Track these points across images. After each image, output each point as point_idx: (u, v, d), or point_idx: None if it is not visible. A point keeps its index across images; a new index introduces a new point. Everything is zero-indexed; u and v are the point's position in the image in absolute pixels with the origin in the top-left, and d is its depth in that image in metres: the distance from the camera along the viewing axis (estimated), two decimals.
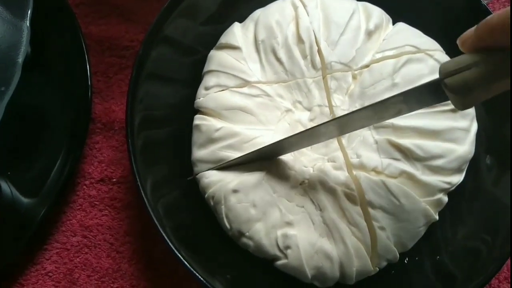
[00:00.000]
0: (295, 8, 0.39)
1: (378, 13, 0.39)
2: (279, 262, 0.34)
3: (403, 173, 0.35)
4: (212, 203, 0.35)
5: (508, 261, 0.39)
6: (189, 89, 0.39)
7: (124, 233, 0.40)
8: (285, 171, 0.35)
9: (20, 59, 0.30)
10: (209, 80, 0.38)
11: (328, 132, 0.32)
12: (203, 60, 0.40)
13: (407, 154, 0.35)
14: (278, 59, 0.37)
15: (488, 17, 0.23)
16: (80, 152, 0.40)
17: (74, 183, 0.41)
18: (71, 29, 0.42)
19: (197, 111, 0.38)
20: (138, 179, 0.34)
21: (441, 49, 0.39)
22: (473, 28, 0.25)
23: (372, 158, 0.35)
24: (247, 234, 0.34)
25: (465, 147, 0.36)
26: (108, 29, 0.46)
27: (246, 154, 0.35)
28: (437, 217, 0.35)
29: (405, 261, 0.37)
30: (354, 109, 0.37)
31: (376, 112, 0.30)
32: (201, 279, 0.32)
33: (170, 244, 0.33)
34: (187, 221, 0.37)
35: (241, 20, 0.41)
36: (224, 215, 0.35)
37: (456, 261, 0.36)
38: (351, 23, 0.38)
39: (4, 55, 0.30)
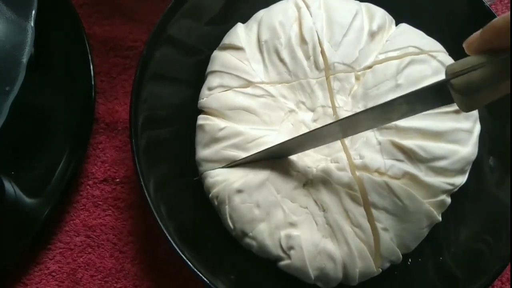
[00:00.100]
0: (298, 8, 0.39)
1: (381, 14, 0.39)
2: (282, 263, 0.35)
3: (406, 174, 0.35)
4: (216, 203, 0.36)
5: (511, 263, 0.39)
6: (192, 89, 0.40)
7: (128, 233, 0.40)
8: (289, 171, 0.35)
9: (25, 59, 0.30)
10: (212, 80, 0.38)
11: (335, 132, 0.33)
12: (206, 60, 0.40)
13: (410, 155, 0.35)
14: (281, 60, 0.38)
15: (494, 19, 0.24)
16: (83, 152, 0.40)
17: (77, 183, 0.41)
18: (74, 30, 0.43)
19: (201, 111, 0.38)
20: (141, 179, 0.34)
21: (444, 50, 0.39)
22: (479, 31, 0.25)
23: (375, 159, 0.35)
24: (250, 234, 0.34)
25: (468, 149, 0.36)
26: (111, 29, 0.46)
27: (254, 154, 0.35)
28: (440, 218, 0.35)
29: (408, 262, 0.37)
30: (357, 110, 0.37)
31: (382, 114, 0.30)
32: (205, 279, 0.32)
33: (173, 244, 0.33)
34: (191, 221, 0.37)
35: (244, 20, 0.41)
36: (228, 215, 0.35)
37: (459, 262, 0.36)
38: (354, 24, 0.38)
39: (9, 55, 0.31)
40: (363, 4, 0.40)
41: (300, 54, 0.37)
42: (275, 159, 0.36)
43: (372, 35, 0.38)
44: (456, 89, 0.25)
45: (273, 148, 0.34)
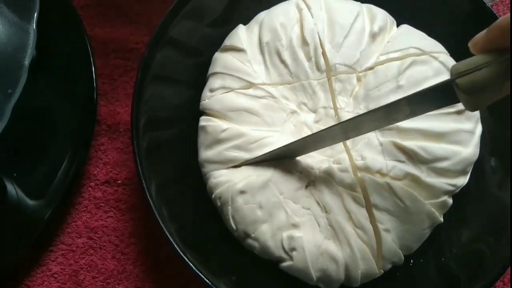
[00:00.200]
0: (300, 10, 0.39)
1: (382, 15, 0.39)
2: (284, 264, 0.35)
3: (408, 175, 0.35)
4: (219, 204, 0.36)
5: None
6: (194, 91, 0.40)
7: (129, 234, 0.40)
8: (292, 173, 0.35)
9: (27, 62, 0.30)
10: (214, 82, 0.38)
11: (341, 133, 0.33)
12: (207, 62, 0.40)
13: (411, 156, 0.35)
14: (283, 61, 0.38)
15: (499, 19, 0.24)
16: (85, 154, 0.41)
17: (79, 185, 0.41)
18: (76, 32, 0.43)
19: (202, 112, 0.38)
20: (143, 181, 0.34)
21: (446, 51, 0.39)
22: (484, 31, 0.25)
23: (377, 160, 0.35)
24: (252, 235, 0.34)
25: (469, 149, 0.36)
26: (113, 31, 0.46)
27: (260, 156, 0.35)
28: (442, 219, 0.36)
29: (410, 263, 0.37)
30: (359, 111, 0.37)
31: (387, 114, 0.30)
32: (206, 280, 0.32)
33: (175, 245, 0.33)
34: (192, 222, 0.37)
35: (245, 22, 0.41)
36: (230, 216, 0.35)
37: (461, 263, 0.36)
38: (355, 25, 0.38)
39: (11, 58, 0.31)
40: (364, 5, 0.40)
41: (301, 55, 0.37)
42: (278, 161, 0.36)
43: (374, 36, 0.38)
44: (461, 89, 0.25)
45: (279, 150, 0.35)
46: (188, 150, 0.38)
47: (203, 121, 0.38)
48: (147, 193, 0.34)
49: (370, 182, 0.34)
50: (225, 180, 0.35)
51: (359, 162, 0.35)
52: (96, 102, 0.42)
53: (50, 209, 0.38)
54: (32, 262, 0.39)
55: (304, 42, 0.38)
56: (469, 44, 0.26)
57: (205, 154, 0.37)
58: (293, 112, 0.37)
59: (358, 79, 0.38)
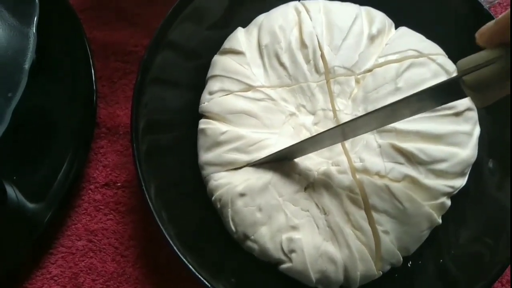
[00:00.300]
0: (298, 13, 0.39)
1: (380, 18, 0.40)
2: (283, 266, 0.35)
3: (406, 177, 0.35)
4: (218, 206, 0.36)
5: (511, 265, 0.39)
6: (193, 93, 0.40)
7: (129, 237, 0.40)
8: (291, 175, 0.36)
9: (27, 65, 0.31)
10: (213, 85, 0.38)
11: (344, 133, 0.32)
12: (207, 64, 0.40)
13: (410, 158, 0.35)
14: (282, 64, 0.38)
15: (508, 11, 0.23)
16: (85, 156, 0.41)
17: (79, 188, 0.41)
18: (76, 34, 0.43)
19: (202, 115, 0.39)
20: (142, 183, 0.34)
21: (444, 53, 0.39)
22: (492, 22, 0.24)
23: (376, 162, 0.35)
24: (252, 237, 0.34)
25: (468, 151, 0.36)
26: (112, 34, 0.46)
27: (262, 158, 0.35)
28: (440, 221, 0.36)
29: (409, 265, 0.37)
30: (358, 113, 0.37)
31: (393, 112, 0.29)
32: (206, 283, 0.32)
33: (174, 248, 0.33)
34: (192, 225, 0.37)
35: (244, 25, 0.41)
36: (230, 218, 0.35)
37: (459, 264, 0.36)
38: (354, 28, 0.38)
39: (11, 61, 0.31)
40: (363, 8, 0.40)
41: (300, 58, 0.38)
42: (277, 163, 0.36)
43: (372, 38, 0.38)
44: (469, 86, 0.25)
45: (278, 152, 0.35)
46: (188, 153, 0.38)
47: (203, 123, 0.38)
48: (147, 196, 0.34)
49: (368, 184, 0.35)
50: (225, 182, 0.35)
51: (357, 164, 0.35)
52: (96, 104, 0.42)
53: (50, 211, 0.38)
54: (32, 265, 0.39)
55: (303, 45, 0.38)
56: (476, 35, 0.25)
57: (205, 156, 0.37)
58: (292, 114, 0.37)
59: (357, 81, 0.38)
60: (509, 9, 0.24)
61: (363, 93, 0.37)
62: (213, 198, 0.36)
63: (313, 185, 0.35)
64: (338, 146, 0.36)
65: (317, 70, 0.37)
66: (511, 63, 0.23)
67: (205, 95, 0.39)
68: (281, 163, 0.36)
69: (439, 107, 0.35)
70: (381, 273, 0.35)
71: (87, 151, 0.41)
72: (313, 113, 0.38)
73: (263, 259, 0.35)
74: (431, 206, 0.35)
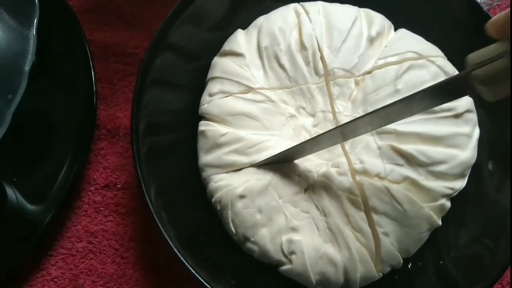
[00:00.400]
0: (298, 15, 0.39)
1: (380, 20, 0.40)
2: (283, 268, 0.35)
3: (406, 179, 0.35)
4: (218, 208, 0.36)
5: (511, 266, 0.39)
6: (193, 95, 0.40)
7: (129, 238, 0.40)
8: (291, 177, 0.36)
9: (27, 67, 0.31)
10: (213, 86, 0.38)
11: (361, 127, 0.32)
12: (207, 66, 0.40)
13: (410, 159, 0.35)
14: (281, 66, 0.38)
15: None
16: (85, 158, 0.41)
17: (79, 189, 0.41)
18: (76, 36, 0.43)
19: (202, 117, 0.39)
20: (142, 185, 0.34)
21: (443, 55, 0.39)
22: (504, 13, 0.24)
23: (375, 164, 0.35)
24: (252, 239, 0.34)
25: (467, 153, 0.36)
26: (112, 36, 0.46)
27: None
28: (440, 223, 0.36)
29: (409, 266, 0.37)
30: (357, 115, 0.37)
31: (403, 108, 0.29)
32: (206, 284, 0.32)
33: (174, 249, 0.33)
34: (192, 226, 0.37)
35: (244, 27, 0.41)
36: (230, 220, 0.35)
37: (459, 266, 0.36)
38: (353, 30, 0.38)
39: (11, 63, 0.31)
40: (362, 10, 0.40)
41: (300, 60, 0.38)
42: (277, 165, 0.36)
43: (371, 40, 0.39)
44: (480, 80, 0.24)
45: (278, 154, 0.35)
46: (188, 155, 0.38)
47: (202, 125, 0.38)
48: (147, 197, 0.34)
49: (368, 185, 0.35)
50: (225, 184, 0.35)
51: (357, 166, 0.35)
52: (96, 106, 0.42)
53: (50, 213, 0.38)
54: (32, 267, 0.39)
55: (303, 47, 0.38)
56: (487, 25, 0.25)
57: (205, 158, 0.37)
58: (292, 116, 0.37)
59: (356, 83, 0.38)
60: None
61: (362, 95, 0.37)
62: (213, 200, 0.36)
63: (313, 186, 0.35)
64: (338, 148, 0.36)
65: (316, 72, 0.38)
66: (511, 61, 0.23)
67: (205, 97, 0.39)
68: (281, 164, 0.36)
69: (438, 109, 0.36)
70: (381, 274, 0.35)
71: (87, 153, 0.41)
72: (312, 115, 0.38)
73: (263, 260, 0.35)
74: (431, 207, 0.35)
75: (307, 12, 0.39)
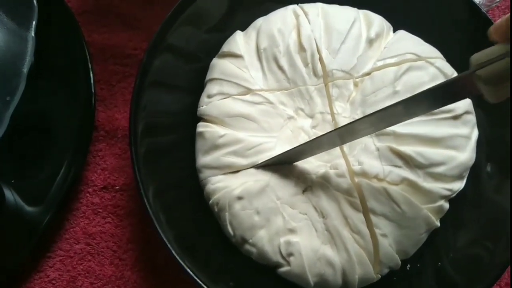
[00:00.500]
0: (297, 16, 0.39)
1: (379, 21, 0.40)
2: (281, 269, 0.35)
3: (404, 180, 0.35)
4: (216, 210, 0.36)
5: (510, 267, 0.39)
6: (192, 96, 0.40)
7: (127, 240, 0.40)
8: (289, 178, 0.36)
9: (25, 69, 0.31)
10: (211, 88, 0.38)
11: (364, 128, 0.32)
12: (206, 67, 0.40)
13: (408, 161, 0.35)
14: (280, 67, 0.38)
15: None
16: (83, 159, 0.41)
17: (77, 191, 0.41)
18: (74, 38, 0.43)
19: (200, 118, 0.39)
20: (141, 187, 0.34)
21: (442, 56, 0.39)
22: (505, 16, 0.24)
23: (374, 165, 0.35)
24: (250, 241, 0.34)
25: (466, 154, 0.36)
26: (111, 37, 0.46)
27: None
28: (438, 224, 0.36)
29: (407, 268, 0.37)
30: (356, 116, 0.37)
31: (406, 109, 0.29)
32: (204, 286, 0.32)
33: (172, 251, 0.33)
34: (190, 228, 0.37)
35: (243, 28, 0.41)
36: (228, 222, 0.35)
37: (458, 267, 0.36)
38: (352, 31, 0.38)
39: (10, 65, 0.31)
40: (361, 11, 0.40)
41: (298, 61, 0.38)
42: (275, 166, 0.36)
43: (370, 42, 0.39)
44: (484, 80, 0.24)
45: (277, 157, 0.35)
46: (186, 156, 0.38)
47: (201, 127, 0.38)
48: (145, 199, 0.34)
49: (367, 187, 0.35)
50: (223, 186, 0.35)
51: (356, 167, 0.35)
52: (94, 107, 0.42)
53: (48, 215, 0.38)
54: (30, 268, 0.39)
55: (301, 48, 0.38)
56: (490, 29, 0.25)
57: (203, 159, 0.37)
58: (290, 117, 0.37)
59: (355, 85, 0.38)
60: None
61: (361, 96, 0.37)
62: (210, 202, 0.36)
63: (311, 188, 0.35)
64: (337, 149, 0.36)
65: (315, 74, 0.38)
66: (511, 63, 0.23)
67: (203, 98, 0.39)
68: (279, 166, 0.36)
69: (437, 111, 0.36)
70: (380, 276, 0.35)
71: (85, 154, 0.41)
72: (311, 117, 0.38)
73: (261, 262, 0.35)
74: (429, 209, 0.35)
75: (306, 14, 0.39)
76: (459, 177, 0.36)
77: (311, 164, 0.36)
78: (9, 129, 0.32)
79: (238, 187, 0.35)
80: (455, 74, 0.38)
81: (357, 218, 0.34)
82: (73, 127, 0.41)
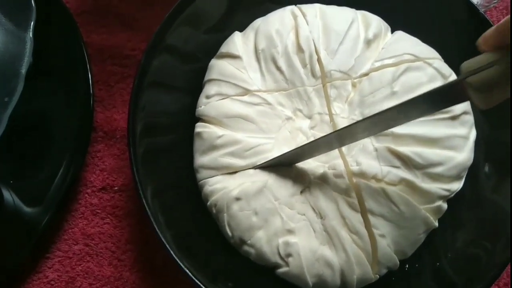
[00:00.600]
0: (295, 17, 0.39)
1: (377, 22, 0.40)
2: (280, 270, 0.35)
3: (402, 181, 0.35)
4: (214, 211, 0.36)
5: (508, 267, 0.39)
6: (190, 97, 0.40)
7: (126, 241, 0.40)
8: (287, 178, 0.36)
9: (23, 70, 0.31)
10: (210, 88, 0.38)
11: (358, 133, 0.32)
12: (204, 68, 0.40)
13: (406, 161, 0.35)
14: (278, 68, 0.38)
15: (509, 16, 0.24)
16: (82, 160, 0.41)
17: (76, 192, 0.41)
18: (73, 38, 0.43)
19: (198, 119, 0.39)
20: (139, 188, 0.34)
21: (440, 57, 0.39)
22: (493, 28, 0.25)
23: (372, 165, 0.35)
24: (248, 242, 0.34)
25: (464, 155, 0.36)
26: (110, 37, 0.46)
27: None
28: (436, 224, 0.36)
29: (405, 268, 0.37)
30: (354, 116, 0.37)
31: (399, 115, 0.30)
32: (202, 287, 0.32)
33: (171, 252, 0.33)
34: (188, 228, 0.37)
35: (241, 29, 0.41)
36: (226, 223, 0.35)
37: (456, 267, 0.36)
38: (350, 32, 0.38)
39: (8, 66, 0.31)
40: (359, 12, 0.40)
41: (296, 62, 0.38)
42: (273, 167, 0.36)
43: (368, 42, 0.39)
44: (473, 87, 0.25)
45: (276, 159, 0.35)
46: (185, 157, 0.38)
47: (199, 127, 0.38)
48: (143, 200, 0.34)
49: (365, 187, 0.35)
50: (220, 187, 0.35)
51: (354, 168, 0.35)
52: (93, 108, 0.42)
53: (47, 215, 0.38)
54: (29, 269, 0.39)
55: (300, 49, 0.38)
56: (479, 41, 0.26)
57: (200, 160, 0.37)
58: (289, 118, 0.37)
59: (353, 85, 0.38)
60: (508, 15, 0.25)
61: (359, 97, 0.37)
62: (208, 203, 0.36)
63: (309, 188, 0.35)
64: (335, 150, 0.36)
65: (313, 74, 0.38)
66: (511, 67, 0.24)
67: (202, 99, 0.39)
68: (276, 167, 0.36)
69: None
70: (378, 276, 0.35)
71: (84, 155, 0.41)
72: (309, 117, 0.38)
73: (260, 263, 0.35)
74: (427, 209, 0.35)
75: (304, 15, 0.39)
76: (457, 178, 0.36)
77: (309, 165, 0.36)
78: (8, 130, 0.32)
79: (236, 188, 0.35)
80: (453, 74, 0.38)
81: (355, 219, 0.34)
82: (71, 128, 0.41)
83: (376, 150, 0.36)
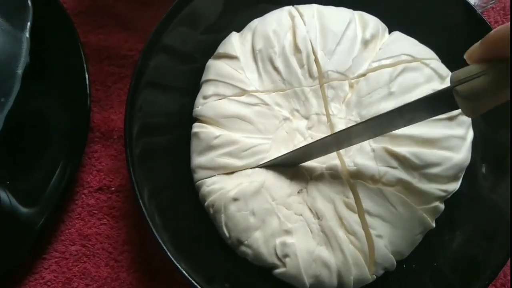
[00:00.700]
0: (292, 17, 0.39)
1: (374, 23, 0.40)
2: (277, 271, 0.35)
3: (400, 181, 0.35)
4: (211, 212, 0.36)
5: (505, 267, 0.39)
6: (188, 97, 0.40)
7: (123, 242, 0.40)
8: (284, 179, 0.36)
9: (20, 71, 0.31)
10: (207, 89, 0.38)
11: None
12: (201, 68, 0.40)
13: (403, 162, 0.35)
14: (276, 68, 0.38)
15: (493, 30, 0.25)
16: (79, 161, 0.41)
17: (72, 192, 0.41)
18: (70, 38, 0.43)
19: (196, 119, 0.39)
20: (136, 188, 0.34)
21: (437, 57, 0.39)
22: (478, 43, 0.26)
23: (369, 166, 0.35)
24: (245, 242, 0.34)
25: (461, 155, 0.36)
26: (107, 38, 0.46)
27: (258, 165, 0.36)
28: (434, 225, 0.36)
29: (403, 269, 0.37)
30: (351, 117, 0.37)
31: (389, 121, 0.31)
32: None
33: (167, 253, 0.33)
34: (185, 229, 0.37)
35: (239, 29, 0.41)
36: (223, 224, 0.35)
37: (453, 267, 0.36)
38: (347, 32, 0.38)
39: (4, 66, 0.31)
40: (356, 13, 0.40)
41: (294, 62, 0.38)
42: (271, 167, 0.36)
43: (365, 43, 0.39)
44: (461, 95, 0.26)
45: (276, 160, 0.35)
46: (182, 157, 0.38)
47: (196, 127, 0.38)
48: (140, 201, 0.34)
49: (362, 188, 0.35)
50: (218, 188, 0.35)
51: (351, 168, 0.35)
52: (90, 109, 0.42)
53: (44, 216, 0.38)
54: (26, 270, 0.39)
55: (297, 49, 0.38)
56: (465, 56, 0.27)
57: (197, 160, 0.37)
58: (286, 119, 0.37)
59: (351, 86, 0.38)
60: (487, 26, 0.26)
61: (356, 97, 0.37)
62: (205, 204, 0.36)
63: (306, 189, 0.35)
64: None
65: (311, 75, 0.38)
66: (511, 74, 0.24)
67: (199, 99, 0.39)
68: (274, 167, 0.36)
69: None
70: (375, 277, 0.35)
71: (80, 156, 0.41)
72: (307, 118, 0.38)
73: (257, 264, 0.35)
74: (424, 210, 0.35)
75: (301, 15, 0.39)
76: (454, 178, 0.36)
77: (307, 165, 0.36)
78: (4, 131, 0.32)
79: (233, 189, 0.35)
80: (450, 75, 0.38)
81: (353, 219, 0.34)
82: (68, 128, 0.41)
83: (373, 150, 0.36)
